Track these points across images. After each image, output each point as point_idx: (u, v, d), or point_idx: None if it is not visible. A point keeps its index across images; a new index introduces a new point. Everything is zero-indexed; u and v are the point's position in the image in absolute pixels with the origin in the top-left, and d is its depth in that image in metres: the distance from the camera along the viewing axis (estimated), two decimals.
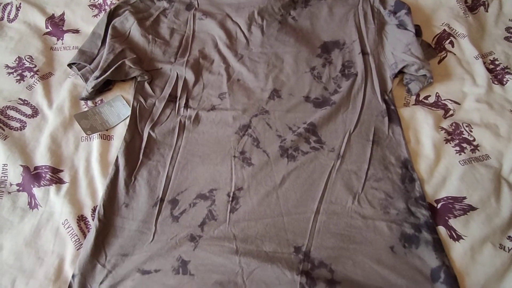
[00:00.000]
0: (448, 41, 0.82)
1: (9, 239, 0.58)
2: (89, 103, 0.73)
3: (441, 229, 0.58)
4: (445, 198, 0.61)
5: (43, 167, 0.64)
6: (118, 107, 0.72)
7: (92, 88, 0.71)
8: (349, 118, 0.70)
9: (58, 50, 0.81)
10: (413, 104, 0.75)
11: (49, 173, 0.64)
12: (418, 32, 0.78)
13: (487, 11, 0.88)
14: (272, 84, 0.75)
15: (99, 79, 0.71)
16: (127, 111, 0.71)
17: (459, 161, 0.65)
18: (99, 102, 0.73)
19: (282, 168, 0.64)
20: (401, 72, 0.75)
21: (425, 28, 0.82)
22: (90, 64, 0.76)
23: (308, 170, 0.64)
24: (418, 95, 0.75)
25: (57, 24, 0.85)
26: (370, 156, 0.65)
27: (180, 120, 0.71)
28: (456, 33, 0.82)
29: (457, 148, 0.67)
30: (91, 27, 0.82)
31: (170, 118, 0.71)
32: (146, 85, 0.74)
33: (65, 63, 0.78)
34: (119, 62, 0.73)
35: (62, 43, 0.82)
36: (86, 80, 0.74)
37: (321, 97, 0.73)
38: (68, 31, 0.84)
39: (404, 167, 0.64)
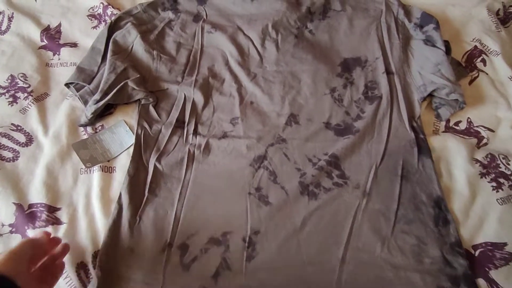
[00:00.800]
0: (479, 59, 0.75)
1: None
2: (89, 129, 0.66)
3: (481, 282, 0.52)
4: (483, 244, 0.55)
5: (39, 205, 0.58)
6: (121, 134, 0.66)
7: (92, 113, 0.64)
8: (375, 149, 0.64)
9: (54, 67, 0.74)
10: (443, 131, 0.68)
11: (45, 212, 0.58)
12: (447, 48, 0.71)
13: None
14: (289, 107, 0.68)
15: (100, 104, 0.64)
16: (131, 139, 0.65)
17: (496, 200, 0.59)
18: (100, 128, 0.67)
19: (302, 208, 0.58)
20: (429, 94, 0.69)
21: (454, 43, 0.75)
22: (89, 84, 0.69)
23: (331, 210, 0.58)
24: (448, 120, 0.69)
25: (53, 37, 0.78)
26: (399, 193, 0.59)
27: (189, 150, 0.64)
28: (489, 50, 0.76)
29: (494, 184, 0.61)
30: (90, 40, 0.75)
31: (177, 147, 0.65)
32: (151, 109, 0.68)
33: (62, 81, 0.71)
34: (121, 84, 0.67)
35: (59, 59, 0.75)
36: (85, 102, 0.67)
37: (342, 123, 0.67)
38: (65, 44, 0.77)
39: (437, 206, 0.58)
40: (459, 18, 0.80)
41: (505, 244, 0.55)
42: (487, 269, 0.53)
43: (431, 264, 0.53)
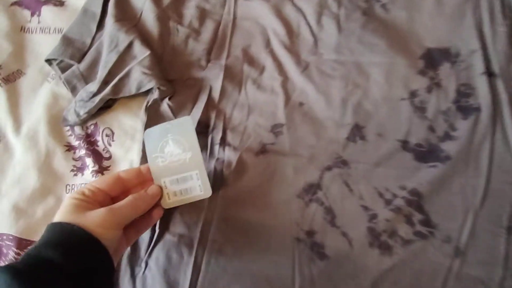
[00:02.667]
0: None
1: None
2: (77, 129, 0.48)
3: None
4: None
5: (5, 237, 0.42)
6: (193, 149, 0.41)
7: (87, 113, 0.46)
8: (471, 186, 0.46)
9: (32, 33, 0.55)
10: None
11: (13, 248, 0.41)
12: None
13: None
14: (353, 115, 0.50)
15: (97, 99, 0.46)
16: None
17: None
18: (92, 127, 0.49)
19: (371, 266, 0.42)
20: None
21: None
22: (79, 62, 0.50)
23: (411, 272, 0.42)
24: None
25: None
26: (505, 254, 0.43)
27: (215, 168, 0.47)
28: None
29: None
30: None
31: None
32: (165, 106, 0.49)
33: (43, 55, 0.52)
34: (127, 68, 0.48)
35: (39, 21, 0.55)
36: (72, 89, 0.49)
37: (425, 143, 0.49)
38: (48, 1, 0.56)
39: None
40: None
41: None
42: None
43: None
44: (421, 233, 0.44)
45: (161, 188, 0.39)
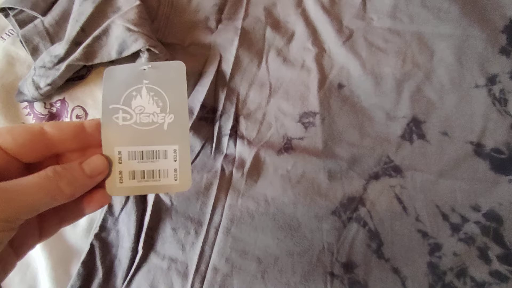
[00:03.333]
0: None
1: None
2: (37, 106, 0.36)
3: None
4: None
5: None
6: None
7: (50, 84, 0.33)
8: None
9: None
10: None
11: None
12: None
13: None
14: (410, 105, 0.37)
15: (63, 66, 0.33)
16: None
17: None
18: (59, 104, 0.36)
19: None
20: None
21: None
22: (44, 15, 0.37)
23: None
24: None
25: None
26: None
27: (222, 167, 0.35)
28: None
29: None
30: None
31: (201, 159, 0.35)
32: None
33: None
34: (105, 23, 0.34)
35: None
36: (33, 51, 0.36)
37: (506, 148, 0.36)
38: None
39: None
40: None
41: None
42: None
43: None
44: (500, 273, 0.32)
45: (109, 161, 0.24)
